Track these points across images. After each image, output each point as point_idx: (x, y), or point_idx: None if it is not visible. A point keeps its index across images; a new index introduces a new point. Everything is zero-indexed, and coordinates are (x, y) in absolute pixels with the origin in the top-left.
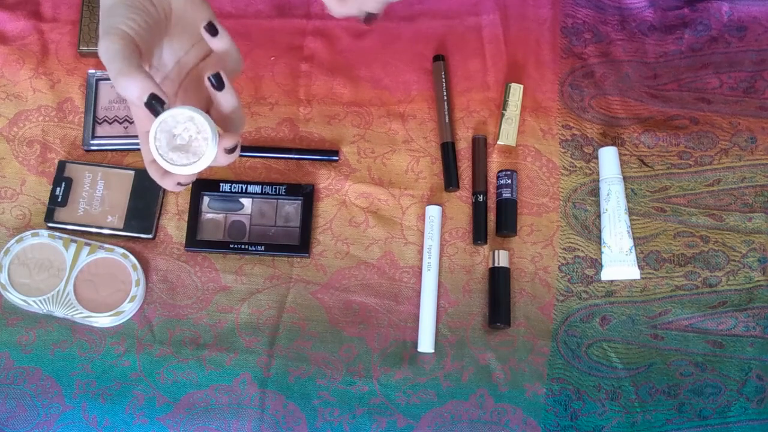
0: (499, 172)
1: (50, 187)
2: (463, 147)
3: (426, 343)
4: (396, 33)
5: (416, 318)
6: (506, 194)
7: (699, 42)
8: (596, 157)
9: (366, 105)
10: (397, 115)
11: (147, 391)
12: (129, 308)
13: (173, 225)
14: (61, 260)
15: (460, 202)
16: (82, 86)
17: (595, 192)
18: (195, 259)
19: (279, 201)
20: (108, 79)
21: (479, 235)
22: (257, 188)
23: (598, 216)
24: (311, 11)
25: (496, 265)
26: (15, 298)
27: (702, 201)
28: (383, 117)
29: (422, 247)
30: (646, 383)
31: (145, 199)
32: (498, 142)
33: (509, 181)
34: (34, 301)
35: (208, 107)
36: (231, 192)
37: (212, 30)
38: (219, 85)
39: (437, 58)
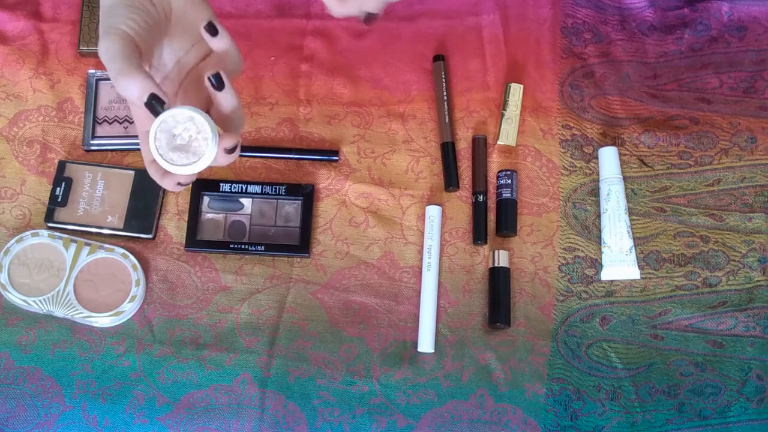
0: (499, 172)
1: (50, 187)
2: (463, 147)
3: (426, 343)
4: (396, 33)
5: (416, 318)
6: (506, 194)
7: (699, 42)
8: (596, 157)
9: (366, 105)
10: (397, 115)
11: (147, 391)
12: (129, 308)
13: (173, 225)
14: (61, 260)
15: (460, 202)
16: (82, 86)
17: (595, 192)
18: (195, 259)
19: (279, 201)
20: (108, 79)
21: (479, 235)
22: (257, 188)
23: (598, 216)
24: (311, 11)
25: (496, 265)
26: (15, 298)
27: (702, 201)
28: (383, 117)
29: (422, 247)
30: (646, 383)
31: (145, 199)
32: (498, 142)
33: (509, 181)
34: (34, 301)
35: (208, 107)
36: (231, 192)
37: (212, 30)
38: (219, 85)
39: (437, 58)
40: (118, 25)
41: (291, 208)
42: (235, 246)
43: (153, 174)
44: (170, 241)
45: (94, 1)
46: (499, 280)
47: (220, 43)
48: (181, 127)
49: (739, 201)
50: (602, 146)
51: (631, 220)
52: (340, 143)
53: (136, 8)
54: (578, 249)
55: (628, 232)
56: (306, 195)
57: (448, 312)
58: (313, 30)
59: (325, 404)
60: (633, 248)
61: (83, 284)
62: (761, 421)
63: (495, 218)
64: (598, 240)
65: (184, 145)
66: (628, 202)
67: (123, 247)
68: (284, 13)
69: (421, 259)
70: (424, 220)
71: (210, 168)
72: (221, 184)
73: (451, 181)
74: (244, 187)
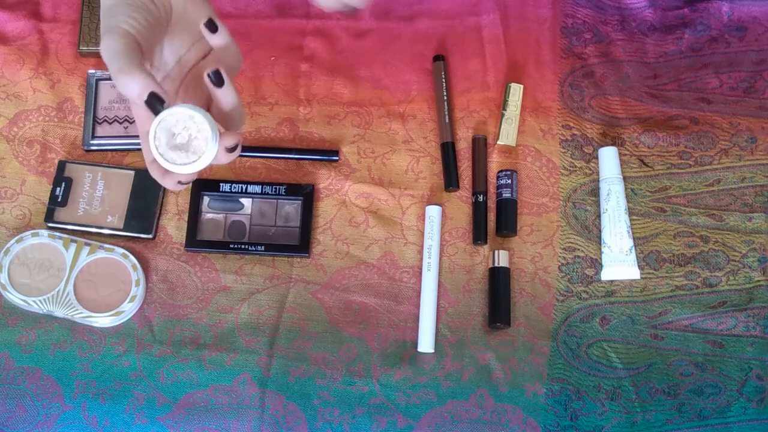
0: (499, 172)
1: (50, 187)
2: (463, 147)
3: (426, 343)
4: (396, 33)
5: (416, 318)
6: (506, 194)
7: (699, 42)
8: (596, 157)
9: (366, 105)
10: (397, 115)
11: (147, 391)
12: (129, 308)
13: (173, 225)
14: (61, 260)
15: (460, 202)
16: (82, 86)
17: (595, 192)
18: (195, 259)
19: (279, 201)
20: (108, 79)
21: (479, 235)
22: (257, 188)
23: (598, 216)
24: (311, 11)
25: (496, 265)
26: (15, 298)
27: (702, 201)
28: (383, 117)
29: (422, 247)
30: (646, 383)
31: (145, 199)
32: (498, 142)
33: (509, 181)
34: (34, 301)
35: (208, 105)
36: (231, 192)
37: (212, 26)
38: (218, 81)
39: (437, 58)
40: (120, 24)
41: (291, 208)
42: (235, 246)
43: (154, 173)
44: (170, 241)
45: (94, 0)
46: (499, 280)
47: (219, 39)
48: (180, 126)
49: (739, 201)
50: (602, 146)
51: (631, 220)
52: (340, 143)
53: (137, 7)
54: (578, 249)
55: (628, 232)
56: (306, 195)
57: (448, 312)
58: (313, 30)
59: (325, 404)
60: (633, 248)
61: (83, 284)
62: (761, 421)
63: (495, 218)
64: (598, 240)
65: (184, 143)
66: (628, 202)
67: (123, 247)
68: (284, 13)
69: (421, 259)
70: (424, 220)
71: (210, 168)
72: (221, 184)
73: (451, 181)
74: (244, 187)
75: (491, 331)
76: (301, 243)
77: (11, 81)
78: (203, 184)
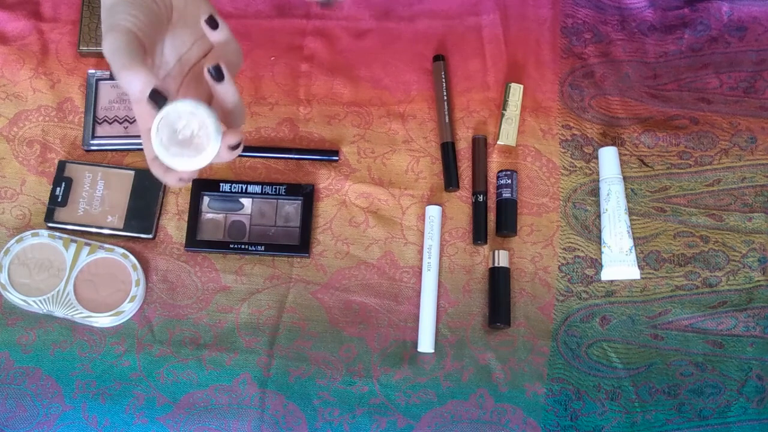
0: (499, 172)
1: (50, 187)
2: (463, 147)
3: (426, 343)
4: (396, 33)
5: (416, 318)
6: (506, 194)
7: (699, 42)
8: (596, 157)
9: (366, 105)
10: (397, 115)
11: (147, 391)
12: (129, 308)
13: (173, 225)
14: (61, 260)
15: (460, 202)
16: (82, 86)
17: (595, 192)
18: (195, 259)
19: (279, 201)
20: (108, 79)
21: (479, 235)
22: (257, 188)
23: (598, 216)
24: (311, 11)
25: (496, 265)
26: (15, 298)
27: (702, 201)
28: (383, 117)
29: (422, 247)
30: (646, 383)
31: (145, 199)
32: (498, 142)
33: (509, 181)
34: (34, 301)
35: (209, 104)
36: (231, 192)
37: (212, 23)
38: (218, 76)
39: (437, 58)
40: (121, 22)
41: (291, 208)
42: (235, 246)
43: (155, 171)
44: (170, 241)
45: (94, 0)
46: (499, 280)
47: (220, 36)
48: (183, 122)
49: (739, 201)
50: (602, 146)
51: (631, 220)
52: (340, 143)
53: (138, 5)
54: (578, 249)
55: (628, 232)
56: (306, 195)
57: (448, 312)
58: (313, 30)
59: (325, 404)
60: (633, 248)
61: (83, 284)
62: (761, 421)
63: (495, 218)
64: (598, 240)
65: (187, 140)
66: (628, 202)
67: (123, 247)
68: (284, 13)
69: (421, 259)
70: (424, 220)
71: (210, 167)
72: (221, 184)
73: (451, 181)
74: (244, 187)
75: (491, 331)
76: (301, 243)
77: (11, 81)
78: (203, 184)
